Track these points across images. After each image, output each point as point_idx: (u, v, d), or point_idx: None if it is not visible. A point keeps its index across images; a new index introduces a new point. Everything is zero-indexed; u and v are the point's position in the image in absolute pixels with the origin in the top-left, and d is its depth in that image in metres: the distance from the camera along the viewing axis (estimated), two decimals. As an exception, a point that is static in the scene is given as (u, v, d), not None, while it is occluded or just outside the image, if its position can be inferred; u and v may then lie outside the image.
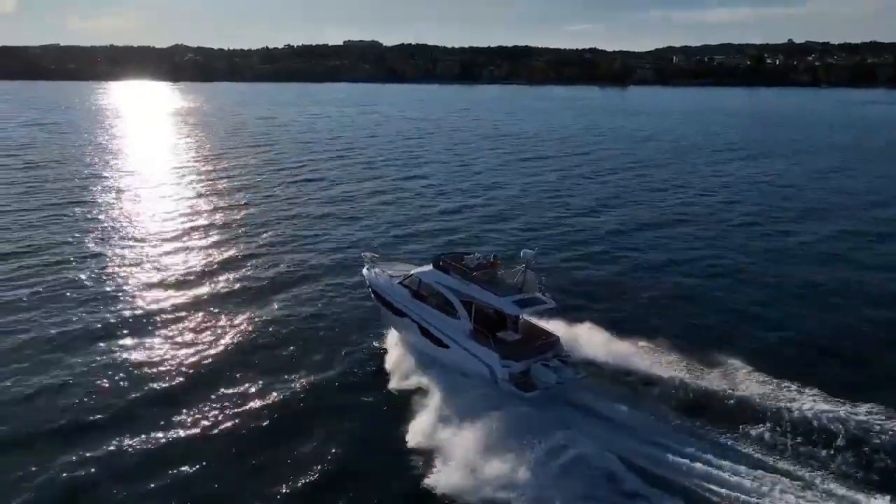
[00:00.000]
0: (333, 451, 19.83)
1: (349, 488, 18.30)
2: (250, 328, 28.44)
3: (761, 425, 19.82)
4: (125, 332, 27.82)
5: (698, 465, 17.79)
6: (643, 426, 19.47)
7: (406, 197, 57.37)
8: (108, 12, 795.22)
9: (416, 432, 19.84)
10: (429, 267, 24.31)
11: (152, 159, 77.07)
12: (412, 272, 25.02)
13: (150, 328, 28.18)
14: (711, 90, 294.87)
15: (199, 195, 56.40)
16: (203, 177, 65.78)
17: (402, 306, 24.51)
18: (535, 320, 23.59)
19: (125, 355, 25.66)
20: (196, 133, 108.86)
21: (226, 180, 63.76)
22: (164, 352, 26.04)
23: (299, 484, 18.37)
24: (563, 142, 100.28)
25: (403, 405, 21.62)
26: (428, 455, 19.01)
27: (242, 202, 53.57)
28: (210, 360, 25.49)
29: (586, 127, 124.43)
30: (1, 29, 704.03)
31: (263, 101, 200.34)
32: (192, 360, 25.39)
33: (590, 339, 24.23)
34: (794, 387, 21.63)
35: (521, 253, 22.56)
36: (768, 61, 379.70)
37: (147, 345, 26.62)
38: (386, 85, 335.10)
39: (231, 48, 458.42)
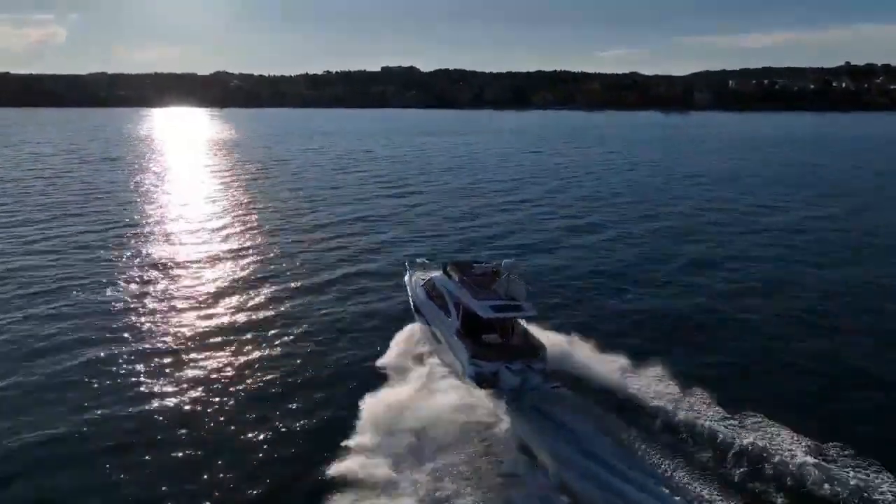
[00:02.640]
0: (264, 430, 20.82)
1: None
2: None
3: (729, 465, 18.73)
4: (189, 344, 27.77)
5: (639, 492, 17.15)
6: (598, 445, 19.26)
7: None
8: (153, 42, 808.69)
9: (369, 415, 20.57)
10: (441, 272, 26.39)
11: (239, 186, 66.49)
12: (431, 276, 26.98)
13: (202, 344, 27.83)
14: (782, 115, 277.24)
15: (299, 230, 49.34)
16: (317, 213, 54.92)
17: (420, 305, 26.62)
18: (533, 329, 24.36)
19: (196, 365, 25.75)
20: (292, 174, 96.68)
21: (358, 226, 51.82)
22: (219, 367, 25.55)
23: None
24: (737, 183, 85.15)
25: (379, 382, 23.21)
26: (369, 440, 19.40)
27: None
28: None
29: (752, 163, 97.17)
30: (52, 59, 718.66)
31: (337, 128, 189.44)
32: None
33: (590, 358, 24.37)
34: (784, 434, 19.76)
35: (503, 263, 24.36)
36: (833, 84, 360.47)
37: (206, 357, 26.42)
38: (438, 111, 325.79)
39: (271, 74, 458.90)
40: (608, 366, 23.49)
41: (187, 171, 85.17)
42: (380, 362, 24.70)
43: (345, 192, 67.92)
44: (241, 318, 30.22)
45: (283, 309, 31.44)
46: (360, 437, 19.33)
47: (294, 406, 22.27)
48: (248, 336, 28.08)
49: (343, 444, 19.01)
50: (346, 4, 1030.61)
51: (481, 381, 20.97)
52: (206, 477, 18.44)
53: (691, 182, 77.18)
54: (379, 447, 18.73)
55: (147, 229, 48.44)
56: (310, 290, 34.63)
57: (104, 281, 35.52)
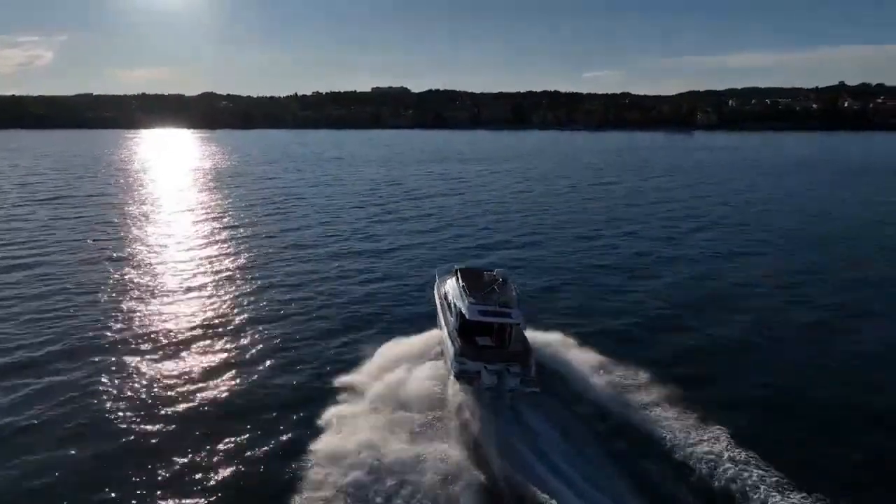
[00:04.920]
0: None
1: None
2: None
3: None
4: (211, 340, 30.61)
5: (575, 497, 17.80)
6: (554, 448, 19.90)
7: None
8: (140, 63, 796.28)
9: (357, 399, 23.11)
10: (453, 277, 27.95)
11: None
12: (448, 281, 28.63)
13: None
14: (793, 135, 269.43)
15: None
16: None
17: (437, 307, 28.59)
18: (530, 334, 25.33)
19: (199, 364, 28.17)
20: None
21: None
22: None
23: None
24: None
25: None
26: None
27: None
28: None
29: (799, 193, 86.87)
30: (38, 81, 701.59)
31: (344, 153, 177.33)
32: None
33: (584, 368, 25.03)
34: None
35: (495, 271, 26.92)
36: (845, 104, 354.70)
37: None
38: (438, 132, 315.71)
39: (260, 95, 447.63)
40: (599, 378, 24.46)
41: (186, 213, 72.62)
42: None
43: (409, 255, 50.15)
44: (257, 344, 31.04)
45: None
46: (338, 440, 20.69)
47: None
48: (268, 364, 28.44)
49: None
50: (331, 25, 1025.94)
51: (461, 376, 22.34)
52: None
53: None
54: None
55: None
56: (351, 327, 33.07)
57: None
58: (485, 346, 24.06)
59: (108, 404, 24.43)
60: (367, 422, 21.14)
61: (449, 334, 24.74)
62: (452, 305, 25.68)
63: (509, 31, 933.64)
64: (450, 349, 23.82)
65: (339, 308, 36.00)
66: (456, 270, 27.77)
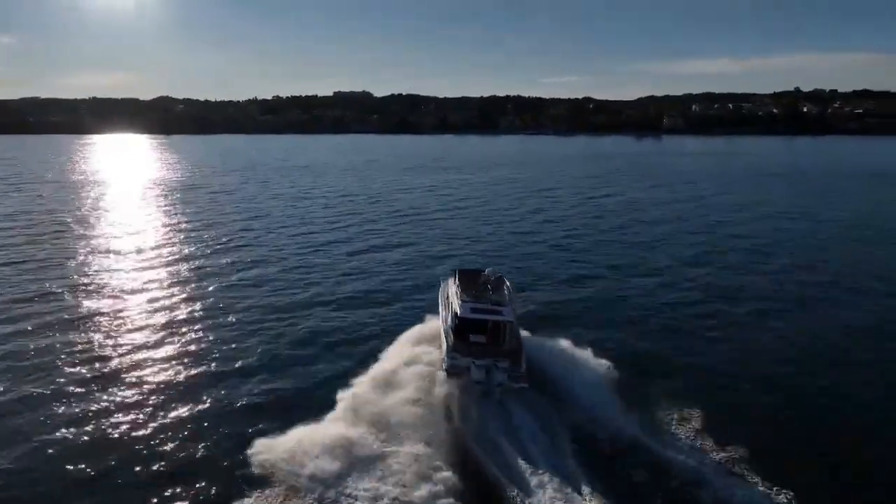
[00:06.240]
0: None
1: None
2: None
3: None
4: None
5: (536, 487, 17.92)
6: (534, 441, 20.08)
7: None
8: (91, 67, 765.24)
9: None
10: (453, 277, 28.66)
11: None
12: (449, 282, 28.89)
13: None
14: (760, 140, 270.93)
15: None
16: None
17: (439, 305, 28.58)
18: (527, 336, 26.09)
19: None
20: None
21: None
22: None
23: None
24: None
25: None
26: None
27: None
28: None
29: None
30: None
31: (310, 160, 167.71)
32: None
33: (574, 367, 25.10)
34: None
35: (486, 270, 28.08)
36: (804, 109, 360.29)
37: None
38: (407, 136, 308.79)
39: (218, 100, 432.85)
40: (591, 378, 24.35)
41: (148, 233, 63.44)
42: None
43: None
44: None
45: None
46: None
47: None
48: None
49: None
50: (290, 29, 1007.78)
51: (451, 371, 22.74)
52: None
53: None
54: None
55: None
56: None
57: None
58: (477, 342, 24.59)
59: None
60: (349, 416, 21.54)
61: (444, 332, 25.22)
62: (450, 305, 26.37)
63: (470, 37, 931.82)
64: (444, 346, 24.38)
65: (319, 332, 32.69)
66: (455, 272, 29.07)
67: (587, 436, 21.02)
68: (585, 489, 17.90)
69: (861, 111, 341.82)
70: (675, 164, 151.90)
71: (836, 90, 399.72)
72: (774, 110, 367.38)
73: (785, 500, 18.35)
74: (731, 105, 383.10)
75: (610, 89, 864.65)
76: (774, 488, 18.73)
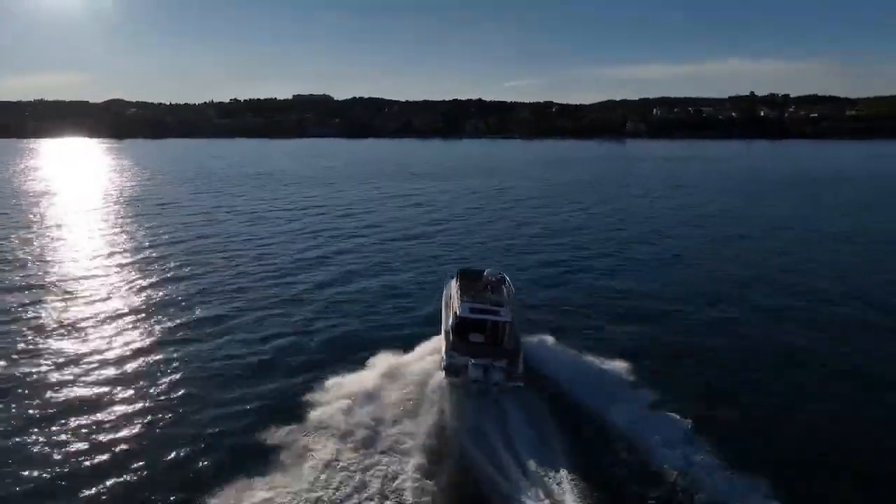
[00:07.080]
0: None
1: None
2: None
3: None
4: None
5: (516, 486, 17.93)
6: (524, 439, 20.05)
7: None
8: (36, 68, 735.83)
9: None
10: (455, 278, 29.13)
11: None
12: (451, 283, 29.32)
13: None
14: (718, 143, 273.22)
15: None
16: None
17: (442, 305, 28.83)
18: (525, 337, 26.08)
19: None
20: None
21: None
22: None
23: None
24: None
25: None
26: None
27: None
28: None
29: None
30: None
31: (273, 167, 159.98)
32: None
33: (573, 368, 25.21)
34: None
35: (486, 272, 28.55)
36: (761, 114, 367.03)
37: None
38: (368, 140, 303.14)
39: (172, 103, 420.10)
40: (588, 378, 24.33)
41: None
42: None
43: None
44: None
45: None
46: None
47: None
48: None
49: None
50: (245, 29, 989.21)
51: (449, 370, 23.00)
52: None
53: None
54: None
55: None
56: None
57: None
58: (475, 342, 24.83)
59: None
60: (344, 415, 21.44)
61: (445, 332, 25.34)
62: (451, 305, 26.62)
63: (431, 39, 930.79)
64: (443, 346, 24.51)
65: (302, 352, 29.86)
66: (458, 272, 29.57)
67: (582, 435, 21.11)
68: (578, 487, 17.90)
69: (816, 115, 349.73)
70: (654, 168, 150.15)
71: (788, 94, 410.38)
72: (733, 114, 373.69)
73: (785, 500, 18.18)
74: (690, 109, 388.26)
75: (570, 93, 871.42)
76: (774, 488, 18.44)
